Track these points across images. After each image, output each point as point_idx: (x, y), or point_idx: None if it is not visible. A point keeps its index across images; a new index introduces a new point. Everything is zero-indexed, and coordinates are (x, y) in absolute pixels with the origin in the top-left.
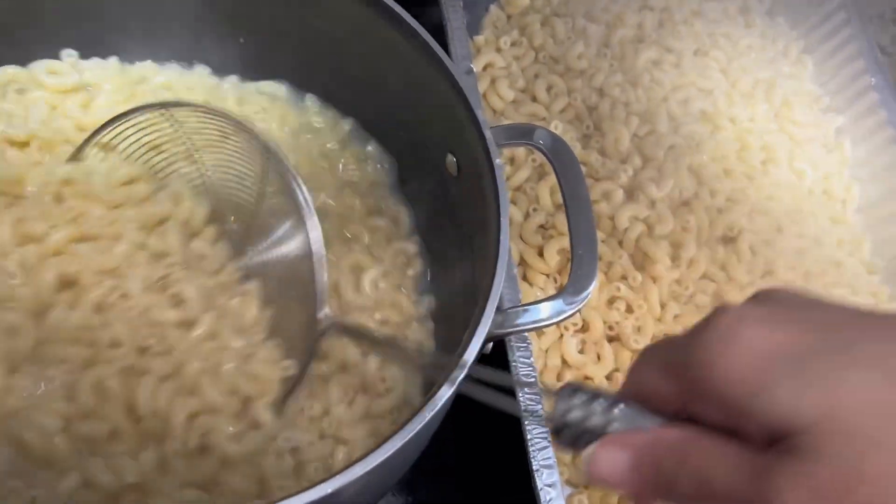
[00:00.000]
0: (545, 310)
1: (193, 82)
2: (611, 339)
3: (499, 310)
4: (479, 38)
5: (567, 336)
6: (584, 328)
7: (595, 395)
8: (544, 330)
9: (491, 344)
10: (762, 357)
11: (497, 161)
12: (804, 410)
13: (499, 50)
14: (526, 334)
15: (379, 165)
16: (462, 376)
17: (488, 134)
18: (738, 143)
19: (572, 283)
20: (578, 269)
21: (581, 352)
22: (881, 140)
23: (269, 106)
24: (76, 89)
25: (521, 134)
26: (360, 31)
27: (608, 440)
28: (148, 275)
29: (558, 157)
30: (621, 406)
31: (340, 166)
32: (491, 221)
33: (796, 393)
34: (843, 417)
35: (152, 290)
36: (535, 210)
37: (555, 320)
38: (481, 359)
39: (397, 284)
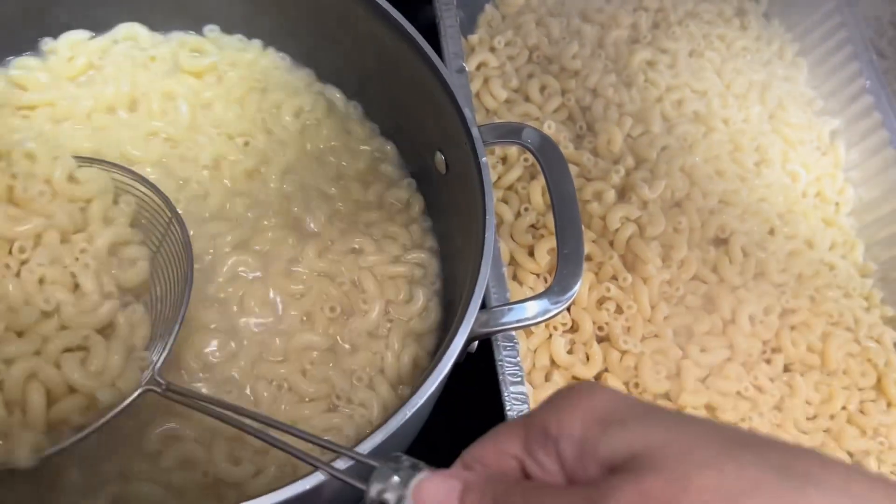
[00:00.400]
0: (530, 309)
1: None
2: (600, 340)
3: (484, 308)
4: (473, 38)
5: (556, 336)
6: (574, 328)
7: (414, 465)
8: (533, 330)
9: (476, 343)
10: (612, 407)
11: (483, 159)
12: (646, 439)
13: (493, 49)
14: (513, 334)
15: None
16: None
17: (475, 132)
18: (732, 144)
19: (558, 282)
20: (564, 268)
21: (570, 352)
22: (875, 143)
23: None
24: None
25: (510, 133)
26: (349, 28)
27: (438, 473)
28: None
29: (546, 155)
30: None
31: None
32: (477, 219)
33: (640, 429)
34: (678, 442)
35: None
36: (526, 210)
37: (540, 319)
38: (467, 357)
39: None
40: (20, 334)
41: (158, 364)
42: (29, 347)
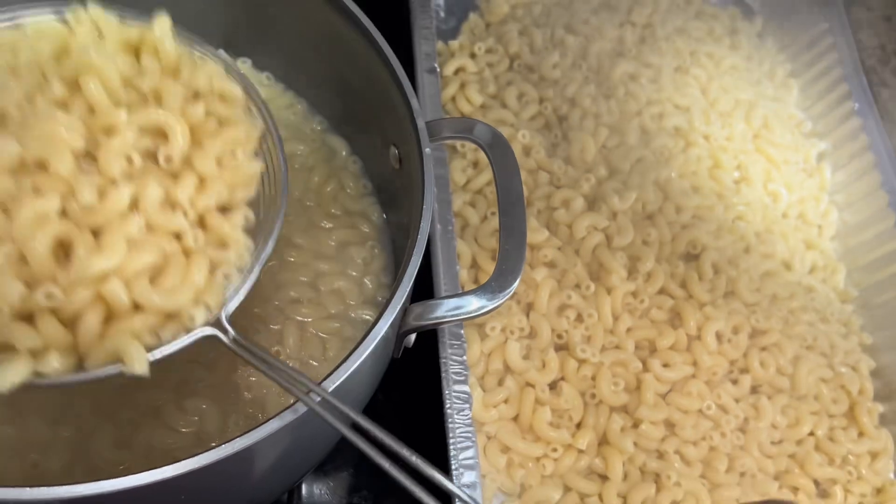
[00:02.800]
0: (465, 303)
1: None
2: (559, 349)
3: (419, 301)
4: (454, 43)
5: (511, 340)
6: (532, 334)
7: None
8: (488, 333)
9: (413, 337)
10: None
11: (426, 150)
12: None
13: (473, 56)
14: (462, 333)
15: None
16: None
17: (421, 123)
18: (712, 161)
19: (496, 278)
20: (504, 263)
21: (525, 357)
22: (861, 165)
23: None
24: None
25: (462, 129)
26: (306, 16)
27: None
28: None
29: (496, 152)
30: None
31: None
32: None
33: None
34: None
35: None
36: (492, 214)
37: (475, 314)
38: (404, 352)
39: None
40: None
41: (231, 307)
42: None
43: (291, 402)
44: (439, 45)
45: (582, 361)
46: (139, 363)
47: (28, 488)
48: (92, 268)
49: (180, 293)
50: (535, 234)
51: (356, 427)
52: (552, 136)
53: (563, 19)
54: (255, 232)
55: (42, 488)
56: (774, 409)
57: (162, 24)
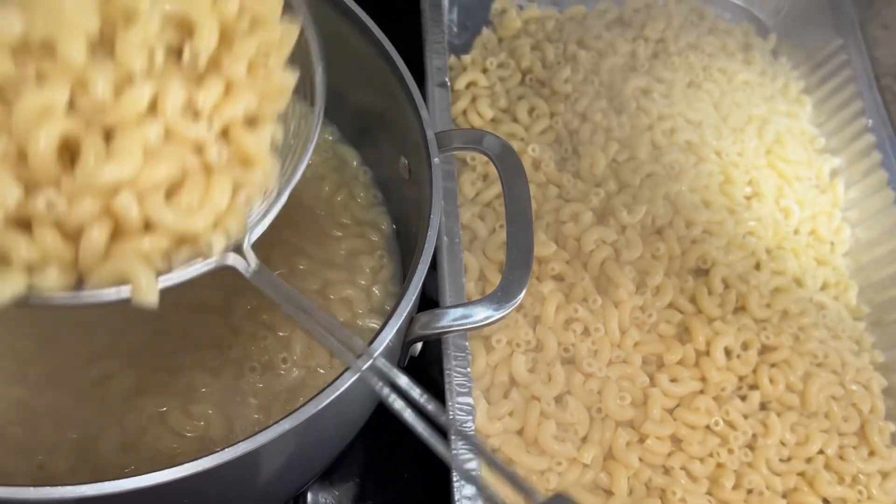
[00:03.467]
0: (471, 312)
1: None
2: (565, 362)
3: (425, 310)
4: (466, 57)
5: (517, 353)
6: (538, 347)
7: None
8: (494, 346)
9: (419, 346)
10: None
11: (435, 160)
12: None
13: (485, 70)
14: (467, 345)
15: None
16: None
17: (430, 134)
18: (723, 176)
19: (502, 288)
20: (510, 274)
21: (531, 371)
22: (875, 183)
23: None
24: None
25: (471, 140)
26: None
27: None
28: None
29: (505, 163)
30: None
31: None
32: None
33: None
34: None
35: None
36: (501, 226)
37: (481, 324)
38: (410, 361)
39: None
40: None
41: (254, 236)
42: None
43: (297, 407)
44: (451, 59)
45: (588, 375)
46: (147, 288)
47: (32, 488)
48: (101, 175)
49: (198, 214)
50: (543, 247)
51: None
52: (562, 151)
53: (575, 34)
54: (284, 153)
55: (46, 488)
56: (783, 427)
57: None
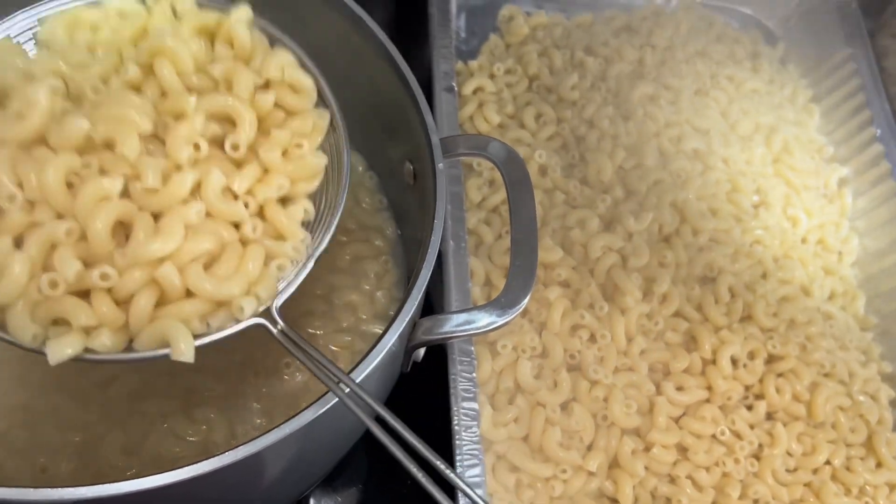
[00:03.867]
0: (475, 318)
1: None
2: (571, 369)
3: (429, 315)
4: (473, 63)
5: (522, 359)
6: (544, 354)
7: None
8: (500, 351)
9: (423, 352)
10: None
11: (439, 165)
12: None
13: (492, 76)
14: (472, 350)
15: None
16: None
17: (435, 139)
18: (730, 184)
19: (505, 294)
20: (514, 280)
21: (537, 377)
22: (883, 192)
23: None
24: None
25: (477, 145)
26: (324, 32)
27: None
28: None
29: (510, 170)
30: None
31: None
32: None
33: None
34: None
35: None
36: (507, 232)
37: (485, 329)
38: (414, 367)
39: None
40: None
41: (281, 299)
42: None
43: (298, 411)
44: (459, 65)
45: (594, 382)
46: (186, 349)
47: (32, 489)
48: (149, 251)
49: (233, 282)
50: (550, 253)
51: (379, 420)
52: (569, 157)
53: (583, 41)
54: (313, 225)
55: (46, 489)
56: (790, 437)
57: (240, 12)
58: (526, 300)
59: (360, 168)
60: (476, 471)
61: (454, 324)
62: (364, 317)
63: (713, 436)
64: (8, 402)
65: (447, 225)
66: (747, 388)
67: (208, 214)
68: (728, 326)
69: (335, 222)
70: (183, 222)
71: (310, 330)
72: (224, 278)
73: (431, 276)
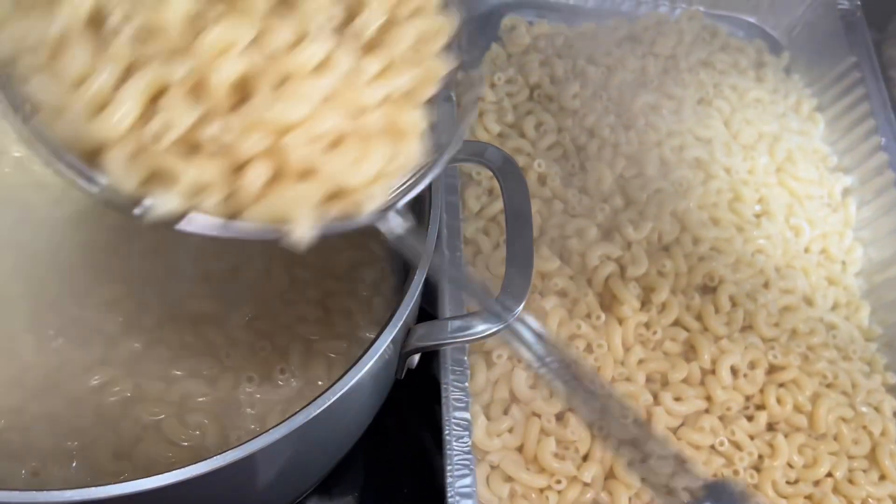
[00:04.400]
0: (469, 324)
1: None
2: None
3: (420, 322)
4: (475, 73)
5: (518, 369)
6: None
7: None
8: (495, 361)
9: (417, 358)
10: None
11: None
12: None
13: (493, 85)
14: (465, 359)
15: None
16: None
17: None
18: (732, 193)
19: (500, 301)
20: (509, 286)
21: (532, 387)
22: (888, 202)
23: None
24: None
25: (474, 152)
26: None
27: None
28: None
29: (506, 176)
30: None
31: None
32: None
33: None
34: None
35: None
36: (504, 241)
37: (479, 336)
38: (407, 373)
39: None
40: None
41: (404, 200)
42: None
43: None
44: (459, 74)
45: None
46: (306, 231)
47: (19, 492)
48: (273, 113)
49: (358, 169)
50: (547, 262)
51: None
52: (569, 166)
53: (585, 50)
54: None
55: (36, 492)
56: (791, 448)
57: None
58: (521, 307)
59: None
60: (467, 481)
61: (449, 330)
62: (361, 323)
63: (712, 447)
64: (1, 404)
65: (442, 235)
66: (748, 398)
67: (333, 95)
68: (728, 336)
69: (460, 131)
70: (310, 92)
71: (304, 336)
72: (352, 162)
73: (429, 286)
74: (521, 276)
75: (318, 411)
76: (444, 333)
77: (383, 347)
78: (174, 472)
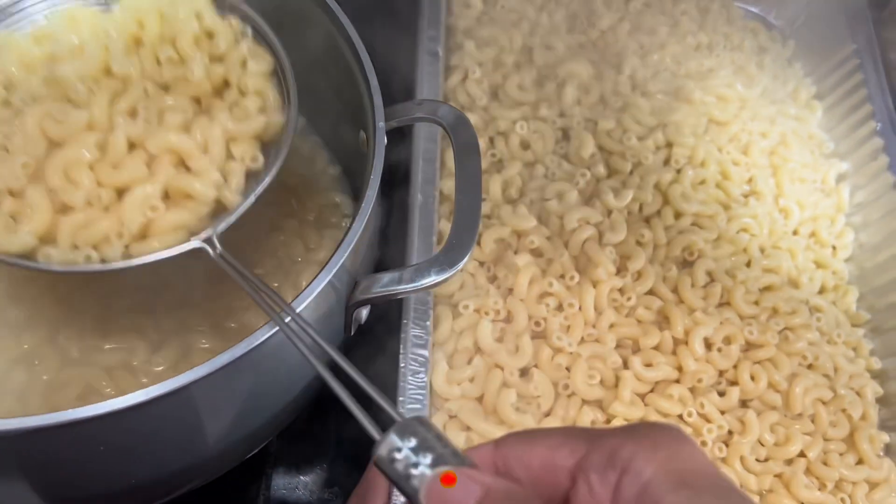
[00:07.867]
0: (412, 276)
1: None
2: (536, 336)
3: (363, 274)
4: (461, 35)
5: (484, 321)
6: (508, 318)
7: (439, 437)
8: (462, 311)
9: (365, 313)
10: (696, 468)
11: (380, 123)
12: None
13: (479, 47)
14: (430, 302)
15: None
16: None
17: (378, 100)
18: (720, 171)
19: (445, 252)
20: (455, 238)
21: (498, 340)
22: (881, 186)
23: None
24: None
25: (429, 111)
26: None
27: (463, 473)
28: None
29: (457, 132)
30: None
31: None
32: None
33: None
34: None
35: None
36: (483, 200)
37: (423, 286)
38: (358, 328)
39: None
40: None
41: (222, 227)
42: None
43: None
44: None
45: (557, 350)
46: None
47: None
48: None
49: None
50: (523, 220)
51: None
52: (553, 132)
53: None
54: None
55: None
56: (763, 426)
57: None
58: (465, 259)
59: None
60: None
61: (392, 280)
62: None
63: (680, 416)
64: None
65: (417, 181)
66: (721, 373)
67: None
68: (704, 309)
69: (279, 161)
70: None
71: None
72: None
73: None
74: (467, 229)
75: (265, 338)
76: (387, 284)
77: (315, 293)
78: (112, 400)
